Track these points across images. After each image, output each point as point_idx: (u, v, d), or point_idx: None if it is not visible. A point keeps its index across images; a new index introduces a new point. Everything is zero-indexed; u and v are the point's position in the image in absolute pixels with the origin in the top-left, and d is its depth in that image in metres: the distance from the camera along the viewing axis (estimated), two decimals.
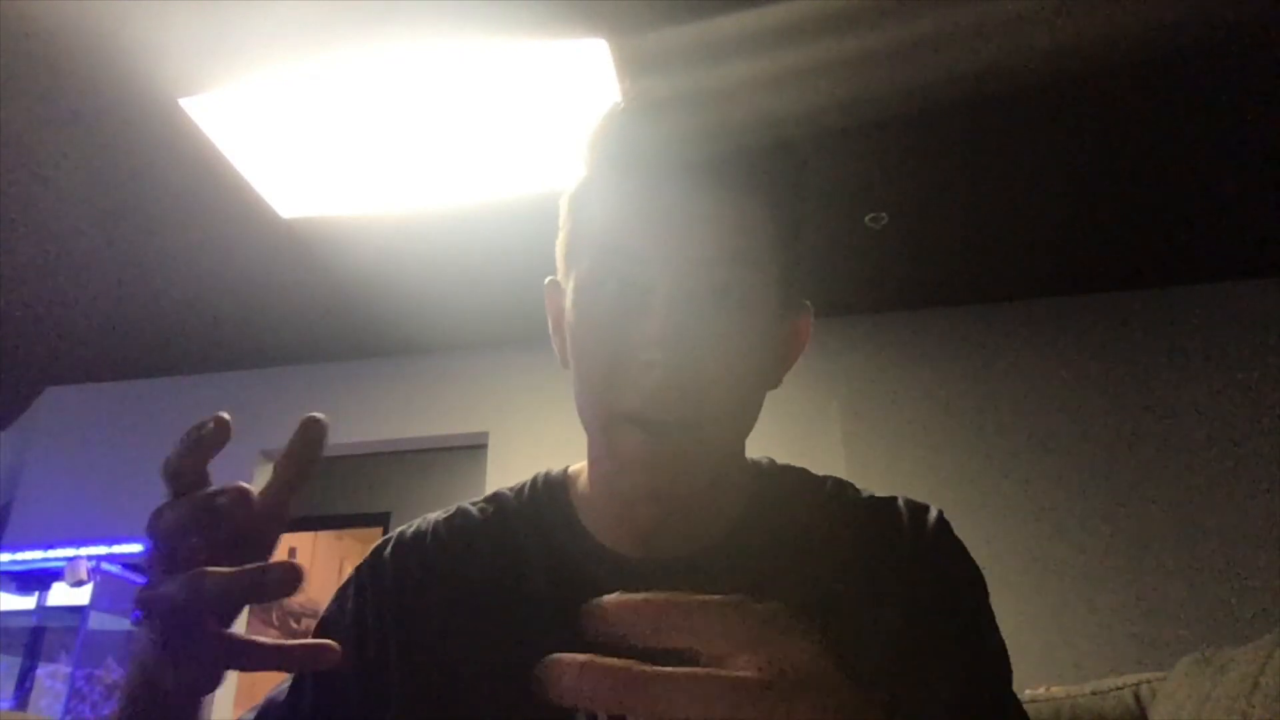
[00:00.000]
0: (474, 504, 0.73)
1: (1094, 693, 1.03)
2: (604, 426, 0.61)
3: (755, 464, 0.72)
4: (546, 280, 0.71)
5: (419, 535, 0.71)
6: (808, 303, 0.69)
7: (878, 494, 0.71)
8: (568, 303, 0.65)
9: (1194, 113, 2.50)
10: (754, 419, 0.65)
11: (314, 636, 0.66)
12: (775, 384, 0.67)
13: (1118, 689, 1.02)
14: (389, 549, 0.71)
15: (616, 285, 0.60)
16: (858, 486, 0.72)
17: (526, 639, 0.62)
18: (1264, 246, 3.10)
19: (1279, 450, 3.02)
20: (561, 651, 0.59)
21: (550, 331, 0.71)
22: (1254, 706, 0.78)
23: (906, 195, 2.85)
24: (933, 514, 0.68)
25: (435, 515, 0.73)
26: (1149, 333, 3.28)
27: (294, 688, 0.68)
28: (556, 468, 0.75)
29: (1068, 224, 3.00)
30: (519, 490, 0.74)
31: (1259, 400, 3.10)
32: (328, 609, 0.70)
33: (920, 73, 2.31)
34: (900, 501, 0.69)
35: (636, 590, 0.61)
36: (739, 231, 0.60)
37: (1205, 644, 1.02)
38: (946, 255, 3.18)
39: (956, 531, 0.69)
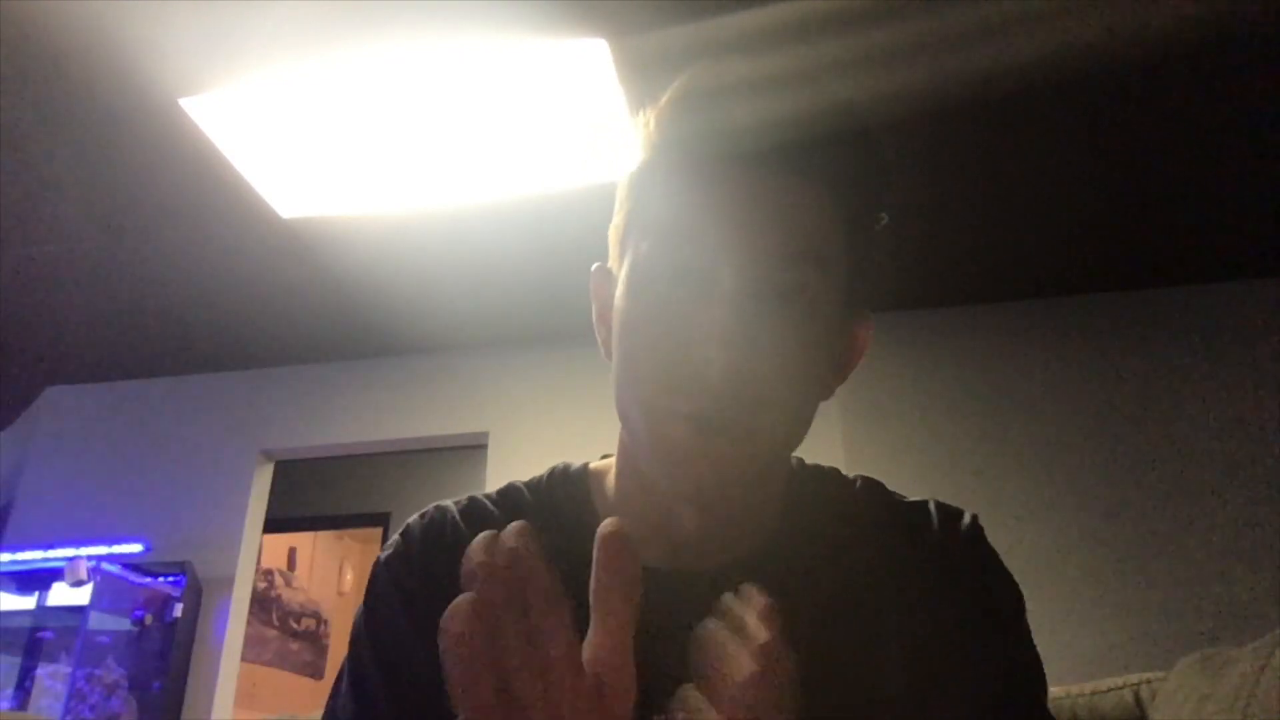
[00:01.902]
0: (488, 496, 0.69)
1: (1094, 693, 1.03)
2: (653, 422, 0.57)
3: (788, 466, 0.69)
4: (594, 266, 0.66)
5: (438, 529, 0.66)
6: (868, 312, 0.65)
7: (910, 497, 0.69)
8: (619, 288, 0.61)
9: (1194, 113, 2.50)
10: (806, 429, 0.61)
11: (375, 649, 0.63)
12: (829, 394, 0.63)
13: (1118, 689, 1.02)
14: (410, 543, 0.66)
15: (676, 271, 0.56)
16: (888, 488, 0.69)
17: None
18: (1264, 246, 3.10)
19: (1278, 450, 3.02)
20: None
21: (594, 320, 0.66)
22: (1254, 706, 0.78)
23: (907, 195, 2.85)
24: (965, 520, 0.66)
25: (449, 506, 0.68)
26: (1149, 333, 3.28)
27: (358, 697, 0.63)
28: (575, 463, 0.71)
29: (1068, 224, 3.00)
30: (534, 485, 0.70)
31: (1259, 400, 3.10)
32: (372, 619, 0.65)
33: (920, 74, 2.31)
34: (932, 505, 0.67)
35: (665, 603, 0.60)
36: (812, 228, 0.57)
37: (1205, 644, 1.02)
38: (948, 255, 3.18)
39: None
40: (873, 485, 0.69)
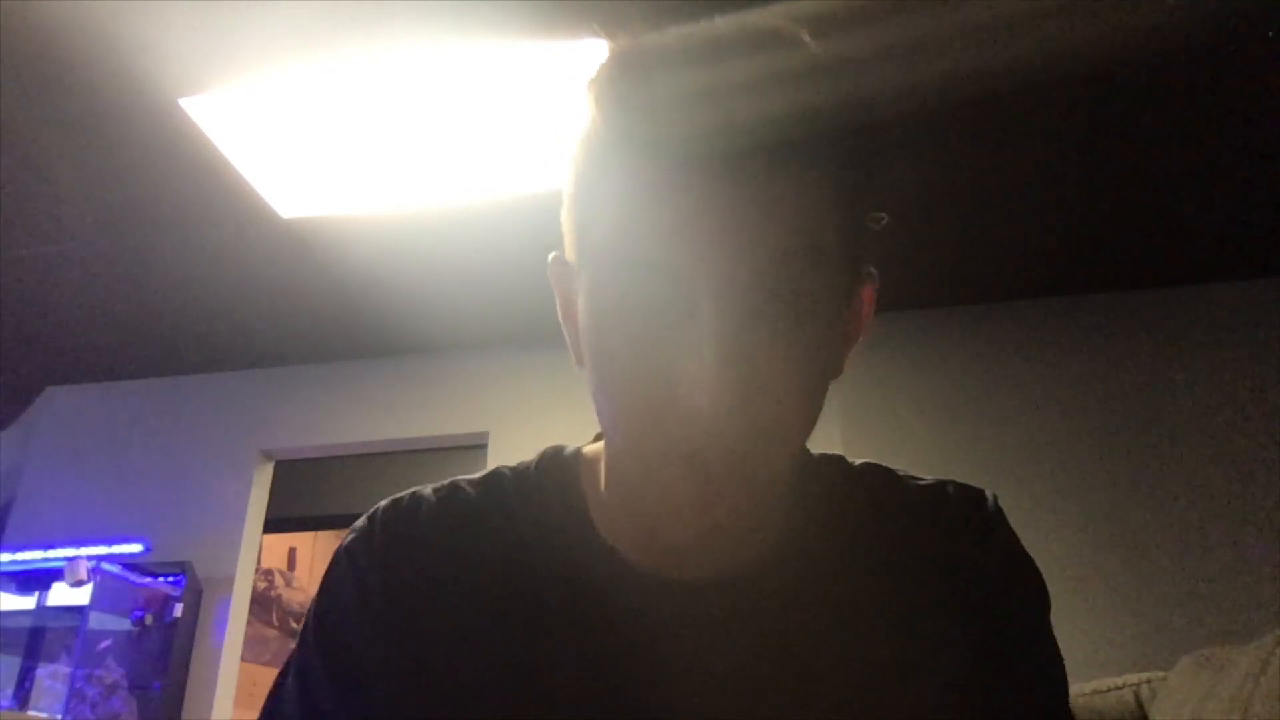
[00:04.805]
0: (469, 483, 0.63)
1: (1094, 693, 1.03)
2: (646, 466, 0.51)
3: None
4: (551, 256, 0.60)
5: (406, 517, 0.61)
6: (873, 270, 0.57)
7: (924, 480, 0.63)
8: (581, 306, 0.54)
9: (1194, 112, 2.50)
10: (817, 420, 0.54)
11: (323, 647, 0.59)
12: (840, 371, 0.56)
13: (1118, 689, 1.02)
14: (373, 532, 0.61)
15: (645, 305, 0.49)
16: (900, 473, 0.64)
17: (539, 660, 0.56)
18: (1264, 246, 3.10)
19: (1279, 450, 3.02)
20: (579, 676, 0.56)
21: (560, 318, 0.59)
22: (1254, 706, 0.78)
23: (906, 195, 2.85)
24: (989, 506, 0.62)
25: (426, 494, 0.62)
26: (1149, 333, 3.28)
27: (303, 697, 0.59)
28: (569, 447, 0.65)
29: (1068, 224, 3.00)
30: (521, 471, 0.64)
31: (1258, 400, 3.10)
32: (323, 613, 0.60)
33: (920, 72, 2.31)
34: (951, 490, 0.62)
35: (666, 617, 0.57)
36: (804, 219, 0.48)
37: (1205, 644, 1.02)
38: (948, 255, 3.18)
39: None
40: (879, 473, 0.65)
